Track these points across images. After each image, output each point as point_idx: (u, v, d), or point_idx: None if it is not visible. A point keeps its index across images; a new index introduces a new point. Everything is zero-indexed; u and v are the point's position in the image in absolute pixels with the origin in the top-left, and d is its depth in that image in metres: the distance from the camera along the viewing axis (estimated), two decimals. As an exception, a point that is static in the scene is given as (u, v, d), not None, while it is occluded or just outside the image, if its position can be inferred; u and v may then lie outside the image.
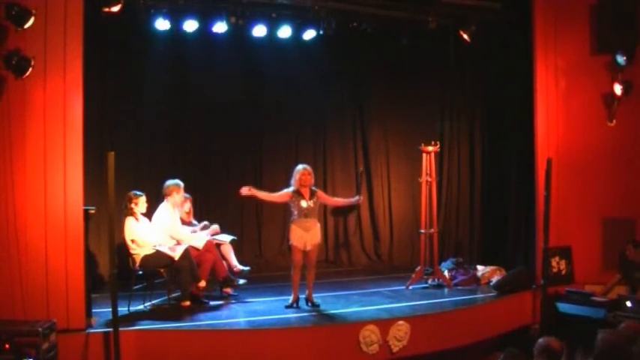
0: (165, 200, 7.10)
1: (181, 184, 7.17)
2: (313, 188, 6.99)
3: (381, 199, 10.24)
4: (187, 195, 7.60)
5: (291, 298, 7.09)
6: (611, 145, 7.99)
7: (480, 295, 7.96)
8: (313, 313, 6.91)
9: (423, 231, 8.34)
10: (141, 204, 6.90)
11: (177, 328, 6.25)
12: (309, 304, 7.08)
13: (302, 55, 8.95)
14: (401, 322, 6.56)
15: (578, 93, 8.11)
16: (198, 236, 7.28)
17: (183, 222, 7.42)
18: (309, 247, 6.92)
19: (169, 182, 7.16)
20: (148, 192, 7.18)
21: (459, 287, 8.23)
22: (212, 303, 7.16)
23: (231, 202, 9.56)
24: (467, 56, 9.03)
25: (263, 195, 7.05)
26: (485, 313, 7.43)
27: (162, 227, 6.99)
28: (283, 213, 9.35)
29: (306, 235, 6.88)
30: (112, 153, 5.74)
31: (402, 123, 10.08)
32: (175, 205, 7.16)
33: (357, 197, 7.45)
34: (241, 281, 7.44)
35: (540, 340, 4.10)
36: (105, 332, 5.87)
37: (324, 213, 9.76)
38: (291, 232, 6.92)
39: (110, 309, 5.82)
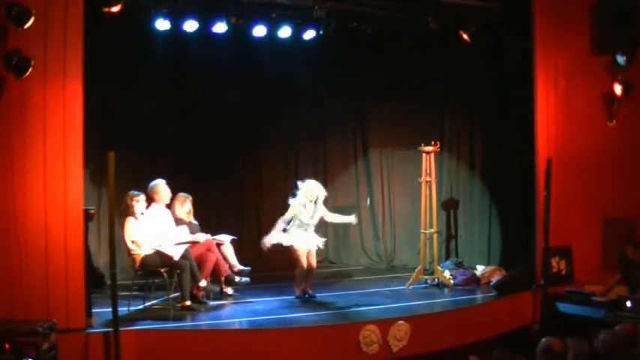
0: (154, 203, 7.10)
1: (158, 181, 7.16)
2: (317, 204, 7.35)
3: (381, 199, 10.24)
4: (187, 195, 7.60)
5: (297, 292, 7.38)
6: (611, 145, 7.99)
7: (479, 295, 7.97)
8: (313, 313, 6.91)
9: (423, 231, 8.34)
10: (140, 202, 6.89)
11: (177, 328, 6.25)
12: (306, 295, 7.32)
13: (302, 55, 8.95)
14: (401, 322, 6.56)
15: (578, 93, 8.11)
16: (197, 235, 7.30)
17: (183, 222, 7.41)
18: (310, 249, 7.29)
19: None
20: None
21: (459, 287, 8.23)
22: (212, 303, 7.16)
23: (231, 201, 9.57)
24: (467, 56, 9.02)
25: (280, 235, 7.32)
26: (485, 313, 7.44)
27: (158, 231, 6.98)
28: (283, 213, 9.35)
29: (307, 239, 7.27)
30: (112, 153, 5.74)
31: (402, 123, 10.06)
32: (163, 202, 7.13)
33: (353, 216, 7.68)
34: (243, 279, 7.44)
35: (542, 341, 4.10)
36: (105, 332, 5.87)
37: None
38: (293, 237, 7.25)
39: (110, 309, 5.82)
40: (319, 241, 7.47)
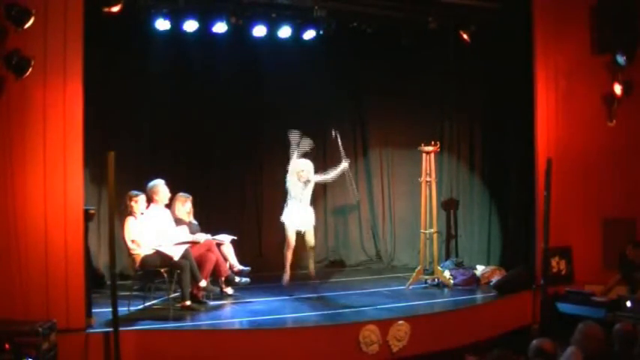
0: (153, 203, 7.10)
1: (157, 181, 7.17)
2: (308, 186, 7.59)
3: (381, 199, 10.24)
4: (188, 195, 7.60)
5: (284, 277, 7.66)
6: (611, 145, 7.99)
7: (479, 295, 7.98)
8: (313, 313, 6.91)
9: (423, 231, 8.34)
10: (140, 202, 6.90)
11: (177, 328, 6.25)
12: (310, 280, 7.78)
13: (302, 55, 8.94)
14: (401, 322, 6.56)
15: (578, 93, 8.11)
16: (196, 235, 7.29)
17: (183, 222, 7.41)
18: (302, 228, 7.54)
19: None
20: (148, 192, 7.16)
21: (459, 287, 8.23)
22: (212, 303, 7.17)
23: (231, 201, 9.56)
24: (467, 56, 9.02)
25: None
26: (486, 313, 7.44)
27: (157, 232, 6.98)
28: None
29: (298, 216, 7.51)
30: (112, 153, 5.74)
31: (402, 123, 10.07)
32: (162, 202, 7.13)
33: (344, 162, 7.94)
34: (243, 280, 7.44)
35: (534, 342, 4.11)
36: (105, 332, 5.87)
37: (325, 213, 9.76)
38: (286, 212, 7.56)
39: (110, 309, 5.82)
40: (312, 220, 7.67)
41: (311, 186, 7.68)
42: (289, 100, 9.65)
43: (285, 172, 7.79)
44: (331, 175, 7.93)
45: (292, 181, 7.61)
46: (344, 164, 7.92)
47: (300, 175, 7.58)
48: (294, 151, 7.65)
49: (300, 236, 7.68)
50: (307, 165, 7.69)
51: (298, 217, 7.56)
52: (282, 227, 7.77)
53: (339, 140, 8.16)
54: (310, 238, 7.66)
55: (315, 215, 7.91)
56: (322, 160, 10.08)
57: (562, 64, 8.09)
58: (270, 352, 6.14)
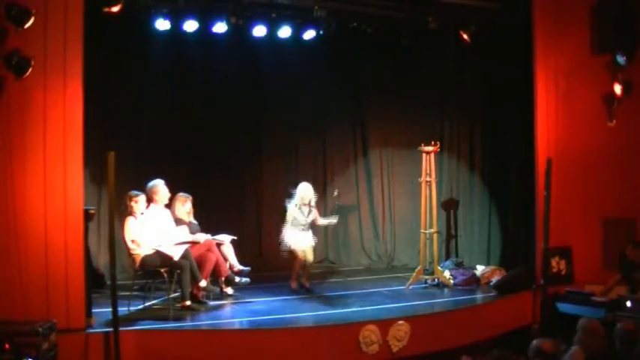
0: (153, 203, 7.10)
1: (157, 181, 7.17)
2: (312, 206, 7.85)
3: (381, 199, 10.24)
4: (188, 195, 7.60)
5: (293, 285, 7.95)
6: (611, 145, 7.99)
7: (479, 295, 7.98)
8: (313, 313, 6.91)
9: (423, 231, 8.34)
10: (140, 202, 6.90)
11: (177, 328, 6.25)
12: (304, 289, 7.89)
13: (302, 55, 8.94)
14: (401, 322, 6.57)
15: (578, 93, 8.10)
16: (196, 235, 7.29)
17: (183, 222, 7.41)
18: (305, 248, 7.76)
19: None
20: (148, 192, 7.14)
21: (459, 287, 8.23)
22: (212, 303, 7.17)
23: (231, 202, 9.57)
24: (467, 56, 9.02)
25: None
26: (486, 313, 7.44)
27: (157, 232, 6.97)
28: (283, 213, 9.35)
29: (303, 238, 7.78)
30: (112, 153, 5.74)
31: (402, 123, 10.07)
32: (162, 202, 7.12)
33: (333, 218, 8.25)
34: (243, 280, 7.45)
35: (534, 342, 4.11)
36: (105, 332, 5.87)
37: (325, 213, 9.73)
38: (291, 237, 7.76)
39: (110, 309, 5.82)
40: (313, 240, 7.98)
41: (314, 211, 7.92)
42: (289, 100, 9.66)
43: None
44: (322, 221, 8.11)
45: (297, 209, 7.81)
46: (334, 220, 8.19)
47: (304, 198, 7.79)
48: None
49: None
50: (308, 188, 7.90)
51: (304, 238, 7.82)
52: (281, 228, 7.85)
53: (337, 200, 8.79)
54: (310, 254, 7.87)
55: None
56: (322, 161, 10.13)
57: (562, 64, 8.08)
58: (270, 352, 6.14)
